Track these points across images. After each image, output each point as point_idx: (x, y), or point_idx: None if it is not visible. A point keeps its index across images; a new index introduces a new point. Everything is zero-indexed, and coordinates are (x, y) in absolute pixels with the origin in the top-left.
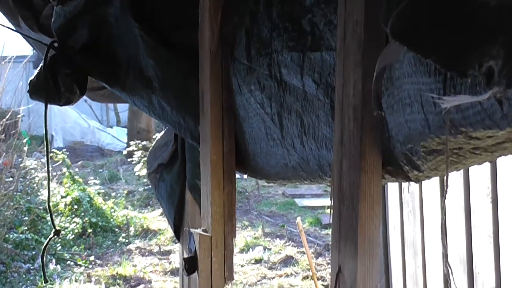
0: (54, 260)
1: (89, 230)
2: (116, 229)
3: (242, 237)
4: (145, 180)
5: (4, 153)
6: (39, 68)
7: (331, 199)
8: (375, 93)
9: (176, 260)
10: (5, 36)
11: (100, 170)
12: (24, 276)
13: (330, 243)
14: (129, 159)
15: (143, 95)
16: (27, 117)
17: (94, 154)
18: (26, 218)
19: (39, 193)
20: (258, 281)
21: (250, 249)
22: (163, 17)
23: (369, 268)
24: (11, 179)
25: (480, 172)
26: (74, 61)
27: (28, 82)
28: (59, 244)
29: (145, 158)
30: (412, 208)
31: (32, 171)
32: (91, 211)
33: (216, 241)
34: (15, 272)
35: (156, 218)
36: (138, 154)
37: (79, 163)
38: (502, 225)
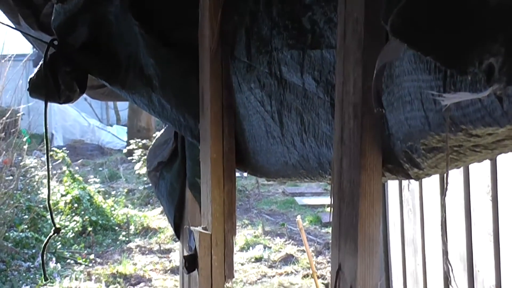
0: (54, 259)
1: (89, 229)
2: (116, 228)
3: (242, 235)
4: (145, 179)
5: (4, 152)
6: (39, 66)
7: (331, 197)
8: (375, 91)
9: (176, 259)
10: (5, 35)
11: (100, 169)
12: (24, 274)
13: (330, 241)
14: (129, 158)
15: (143, 93)
16: (27, 115)
17: (94, 152)
18: (26, 216)
19: (39, 192)
20: (258, 279)
21: (250, 248)
22: (163, 15)
23: (369, 266)
24: (11, 177)
25: (480, 170)
26: (74, 59)
27: (28, 80)
28: (59, 243)
29: (145, 157)
30: (412, 206)
31: (32, 169)
32: (91, 209)
33: (216, 239)
34: (15, 271)
35: (156, 217)
36: (138, 152)
37: (79, 161)
38: (502, 223)
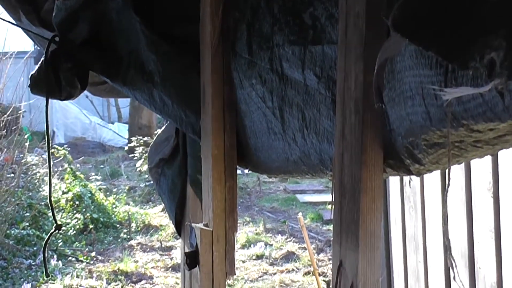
0: (55, 256)
1: (91, 226)
2: (118, 225)
3: (243, 233)
4: (146, 176)
5: (6, 149)
6: (40, 62)
7: (332, 193)
8: (376, 86)
9: (177, 256)
10: (6, 32)
11: (102, 166)
12: (25, 272)
13: (332, 238)
14: (130, 155)
15: (144, 89)
16: (28, 113)
17: (96, 150)
18: (28, 214)
19: (40, 189)
20: (260, 277)
21: (252, 245)
22: (164, 12)
23: (371, 261)
24: (12, 175)
25: (481, 167)
26: (75, 55)
27: (29, 76)
28: (60, 240)
29: (147, 154)
30: (413, 203)
31: (34, 167)
32: (93, 207)
33: (218, 235)
34: (17, 268)
35: (157, 214)
36: (139, 150)
37: (81, 159)
38: (504, 220)
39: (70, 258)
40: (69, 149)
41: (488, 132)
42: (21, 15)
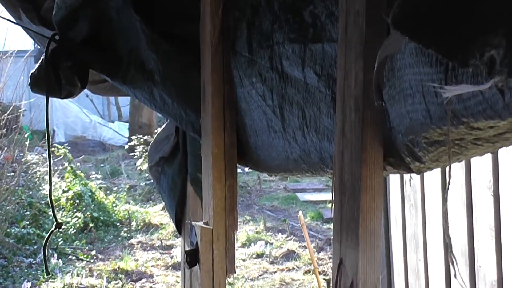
0: (55, 255)
1: (91, 225)
2: (118, 224)
3: (243, 231)
4: (146, 175)
5: (6, 148)
6: (40, 61)
7: (332, 191)
8: (376, 84)
9: (178, 255)
10: (6, 31)
11: (102, 165)
12: (25, 270)
13: (332, 237)
14: (130, 154)
15: (144, 88)
16: (29, 111)
17: (96, 148)
18: (28, 212)
19: (40, 188)
20: (260, 275)
21: (252, 244)
22: (164, 10)
23: (371, 259)
24: (12, 173)
25: (481, 165)
26: (75, 54)
27: (29, 75)
28: (60, 239)
29: (147, 153)
30: (413, 201)
31: (34, 165)
32: (93, 205)
33: (218, 234)
34: (17, 267)
35: (157, 213)
36: (139, 148)
37: (81, 157)
38: (504, 218)
39: (70, 256)
40: (69, 148)
41: (488, 129)
42: (21, 13)
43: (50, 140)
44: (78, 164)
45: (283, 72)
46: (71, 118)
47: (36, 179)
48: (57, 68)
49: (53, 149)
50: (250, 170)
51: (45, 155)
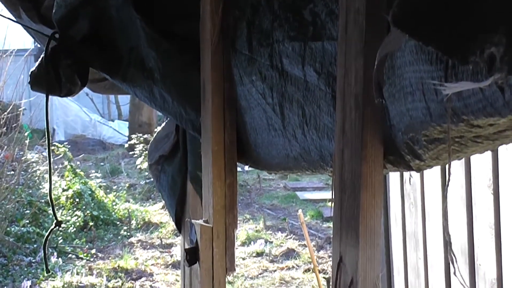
0: (55, 253)
1: (91, 223)
2: (118, 222)
3: (243, 230)
4: (146, 173)
5: (6, 147)
6: (40, 59)
7: (332, 189)
8: (376, 81)
9: (177, 253)
10: (6, 29)
11: (102, 164)
12: (25, 269)
13: (332, 235)
14: (130, 153)
15: (144, 86)
16: (29, 110)
17: (96, 147)
18: (28, 211)
19: (40, 187)
20: (260, 274)
21: (252, 242)
22: (164, 9)
23: (371, 257)
24: (12, 172)
25: (481, 164)
26: (75, 52)
27: (29, 73)
28: (60, 238)
29: (147, 152)
30: (413, 200)
31: (34, 164)
32: (93, 204)
33: (218, 232)
34: (17, 265)
35: (157, 211)
36: (139, 147)
37: (81, 156)
38: (504, 216)
39: (70, 255)
40: (69, 146)
41: (488, 127)
42: (21, 12)
43: (50, 138)
44: (78, 162)
45: (283, 70)
46: (71, 117)
47: (36, 178)
48: (57, 66)
49: (53, 147)
50: (250, 168)
51: (45, 153)
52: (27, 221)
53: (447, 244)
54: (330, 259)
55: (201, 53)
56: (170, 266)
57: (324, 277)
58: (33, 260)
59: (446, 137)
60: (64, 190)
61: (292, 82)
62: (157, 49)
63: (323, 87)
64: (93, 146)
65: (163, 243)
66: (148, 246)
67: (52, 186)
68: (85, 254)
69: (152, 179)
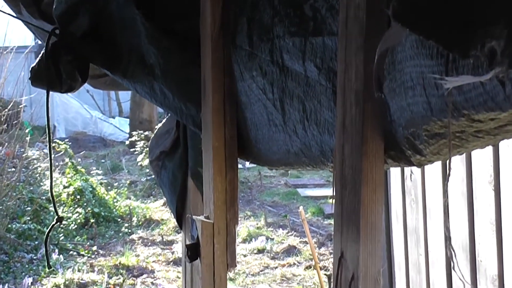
0: (57, 250)
1: (92, 220)
2: (119, 219)
3: (244, 227)
4: (147, 170)
5: (7, 144)
6: (40, 55)
7: (333, 184)
8: (376, 76)
9: (178, 250)
10: (6, 26)
11: (103, 161)
12: (27, 266)
13: (333, 232)
14: (131, 149)
15: (145, 82)
16: (29, 107)
17: (97, 144)
18: (29, 208)
19: (41, 183)
20: (261, 271)
21: (253, 239)
22: (165, 4)
23: (372, 253)
24: (13, 169)
25: (482, 160)
26: (75, 48)
27: (30, 69)
28: (61, 234)
29: (148, 148)
30: (414, 196)
31: (35, 161)
32: (94, 201)
33: (219, 227)
34: (18, 262)
35: (158, 208)
36: (140, 144)
37: (82, 153)
38: (505, 212)
39: (71, 252)
40: (70, 143)
41: (489, 122)
42: (21, 8)
43: (51, 135)
44: (79, 159)
45: (284, 66)
46: (72, 114)
47: (37, 175)
48: (57, 62)
49: (53, 144)
50: (251, 165)
51: (46, 150)
52: (28, 218)
53: (447, 238)
54: (331, 256)
55: (202, 49)
56: (172, 263)
57: (325, 274)
58: (34, 257)
59: (447, 132)
60: (65, 187)
61: (292, 78)
62: (157, 45)
63: (324, 83)
64: (94, 143)
65: (164, 240)
66: (149, 243)
67: (53, 183)
68: (86, 251)
69: (153, 176)
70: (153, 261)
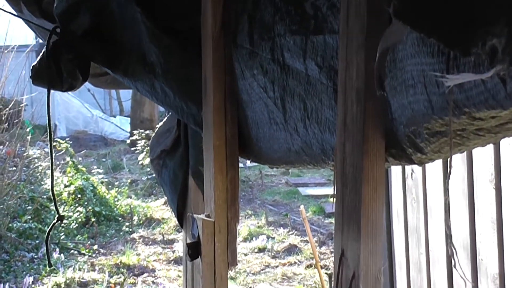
0: (57, 249)
1: (93, 219)
2: (120, 218)
3: (245, 226)
4: (148, 169)
5: (7, 143)
6: (41, 54)
7: (334, 183)
8: (377, 74)
9: (179, 249)
10: (7, 25)
11: (104, 159)
12: (27, 265)
13: (334, 231)
14: (132, 148)
15: (146, 80)
16: (30, 106)
17: (97, 143)
18: (30, 207)
19: (42, 182)
20: (262, 269)
21: (254, 238)
22: (166, 3)
23: (373, 251)
24: (14, 168)
25: (483, 159)
26: (76, 46)
27: (31, 67)
28: (62, 233)
29: (149, 148)
30: (415, 195)
31: (36, 160)
32: (95, 200)
33: (219, 226)
34: (19, 261)
35: (159, 207)
36: (141, 143)
37: (82, 152)
38: (506, 211)
39: (72, 251)
40: (71, 142)
41: (490, 120)
42: (22, 6)
43: (52, 134)
44: (80, 158)
45: (285, 64)
46: (73, 113)
47: (38, 174)
48: (58, 60)
49: (54, 143)
50: (252, 164)
51: (47, 149)
52: (29, 217)
53: (448, 237)
54: (332, 255)
55: (203, 48)
56: (172, 262)
57: (326, 273)
58: (35, 256)
59: (448, 130)
60: (66, 186)
61: (293, 76)
62: (158, 44)
63: (325, 81)
64: (95, 142)
65: (165, 239)
66: (150, 242)
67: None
68: (87, 250)
69: (154, 175)
70: (154, 260)
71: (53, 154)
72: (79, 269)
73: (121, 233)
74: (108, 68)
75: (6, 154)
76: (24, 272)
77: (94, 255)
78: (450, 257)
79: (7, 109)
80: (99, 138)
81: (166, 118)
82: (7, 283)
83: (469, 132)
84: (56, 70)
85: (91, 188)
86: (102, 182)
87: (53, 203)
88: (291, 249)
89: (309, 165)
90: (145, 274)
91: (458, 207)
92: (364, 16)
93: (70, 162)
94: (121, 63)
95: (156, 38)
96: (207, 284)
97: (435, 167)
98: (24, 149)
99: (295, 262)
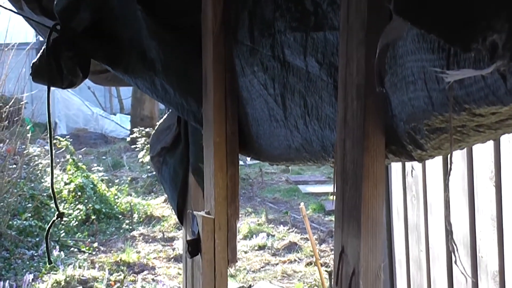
0: (57, 247)
1: (93, 217)
2: (120, 216)
3: (245, 223)
4: (148, 167)
5: (8, 140)
6: (41, 51)
7: (334, 179)
8: (377, 70)
9: (179, 247)
10: (8, 23)
11: (104, 157)
12: (28, 262)
13: (334, 229)
14: (132, 146)
15: (146, 77)
16: (30, 104)
17: (98, 141)
18: (30, 205)
19: (42, 180)
20: (262, 267)
21: (254, 236)
22: (167, 5)
23: (373, 248)
24: (14, 166)
25: (483, 156)
26: (76, 43)
27: (31, 65)
28: (62, 231)
29: (149, 145)
30: (415, 192)
31: (36, 158)
32: (95, 198)
33: (219, 223)
34: (19, 259)
35: (159, 205)
36: (141, 141)
37: (83, 150)
38: (506, 208)
39: (72, 248)
40: (71, 140)
41: (490, 116)
42: (22, 4)
43: (52, 132)
44: (80, 156)
45: (285, 61)
46: (73, 111)
47: (38, 172)
48: (58, 58)
49: (55, 141)
50: (252, 162)
51: (47, 147)
52: (29, 215)
53: (448, 233)
54: (332, 252)
55: (203, 44)
56: (172, 259)
57: (326, 271)
58: (35, 254)
59: (448, 126)
60: (66, 183)
61: (293, 73)
62: (158, 40)
63: (325, 78)
64: (95, 140)
65: (165, 236)
66: (150, 240)
67: (54, 180)
68: (87, 248)
69: (154, 173)
70: (154, 258)
71: (53, 152)
72: (79, 267)
73: (121, 230)
74: (108, 65)
75: (6, 151)
76: (24, 270)
77: (94, 253)
78: (450, 254)
79: (7, 107)
80: (99, 136)
81: (166, 115)
82: (7, 281)
83: (469, 129)
84: (56, 67)
85: (91, 185)
86: (102, 180)
87: (53, 201)
88: (291, 247)
89: (309, 162)
90: (145, 272)
91: (458, 205)
92: (364, 12)
93: (70, 160)
94: (121, 60)
95: (157, 34)
96: (207, 281)
97: (435, 164)
98: (24, 146)
99: (295, 260)
